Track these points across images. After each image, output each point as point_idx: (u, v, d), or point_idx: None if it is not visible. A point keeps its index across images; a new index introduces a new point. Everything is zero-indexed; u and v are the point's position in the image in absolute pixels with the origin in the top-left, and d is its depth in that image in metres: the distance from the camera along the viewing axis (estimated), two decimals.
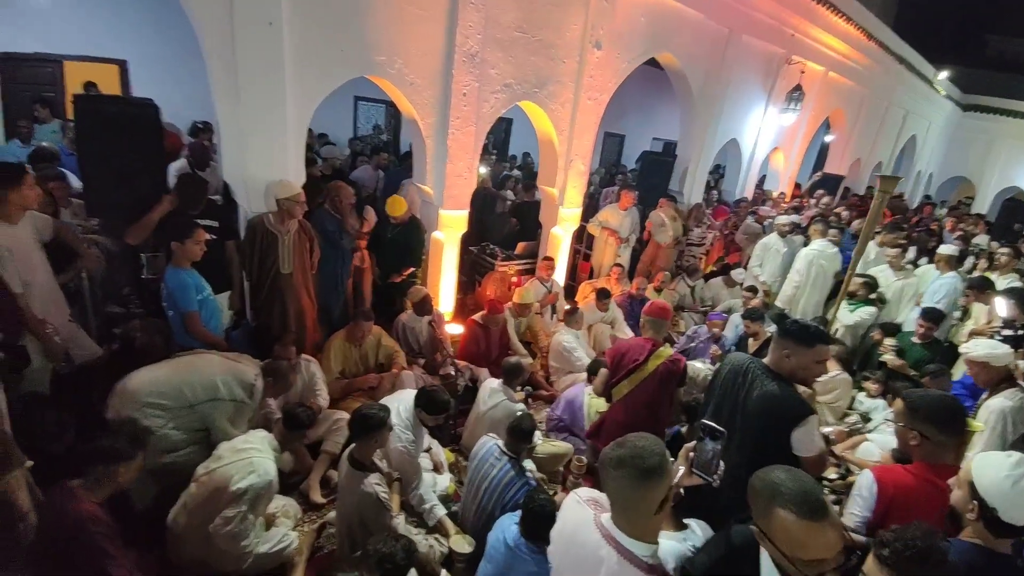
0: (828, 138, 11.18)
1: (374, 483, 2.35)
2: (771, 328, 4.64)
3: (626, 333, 5.24)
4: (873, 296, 4.95)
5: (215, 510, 2.23)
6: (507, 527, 2.19)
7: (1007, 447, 2.46)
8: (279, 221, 3.46)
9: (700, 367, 4.39)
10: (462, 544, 2.50)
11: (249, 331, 3.66)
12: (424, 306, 4.23)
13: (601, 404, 3.42)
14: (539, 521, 2.06)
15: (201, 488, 2.29)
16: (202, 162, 5.23)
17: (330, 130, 7.43)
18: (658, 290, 5.89)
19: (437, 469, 3.17)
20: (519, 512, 2.22)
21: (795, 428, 1.88)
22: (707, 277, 6.71)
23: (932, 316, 4.17)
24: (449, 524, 2.77)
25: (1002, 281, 4.73)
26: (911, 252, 6.34)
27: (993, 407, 2.54)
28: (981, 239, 7.94)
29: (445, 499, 3.08)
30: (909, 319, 4.87)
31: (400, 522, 2.53)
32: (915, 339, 4.21)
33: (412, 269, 4.52)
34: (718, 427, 1.51)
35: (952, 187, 16.04)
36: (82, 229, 3.48)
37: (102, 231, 3.52)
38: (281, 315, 3.56)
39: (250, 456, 2.35)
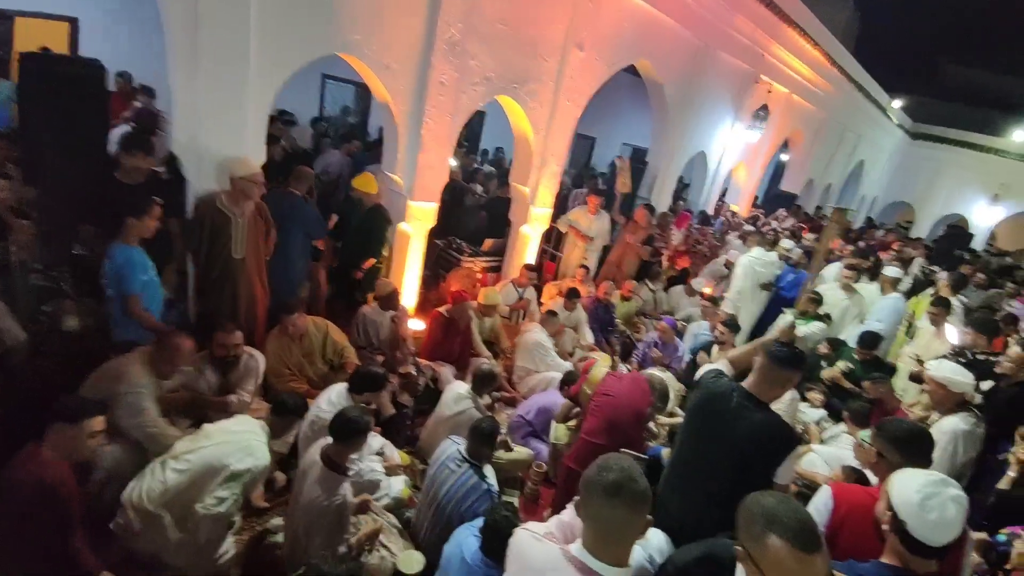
0: (784, 156, 11.65)
1: (348, 488, 2.25)
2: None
3: (587, 337, 5.26)
4: (821, 312, 5.17)
5: (199, 492, 2.13)
6: (464, 540, 2.10)
7: (956, 470, 2.57)
8: (233, 202, 3.22)
9: (656, 373, 4.44)
10: (410, 564, 2.39)
11: (184, 315, 3.40)
12: (390, 301, 4.07)
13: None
14: (502, 538, 1.98)
15: (183, 469, 2.17)
16: (149, 128, 4.84)
17: (294, 109, 7.03)
18: (626, 299, 5.94)
19: (390, 472, 3.04)
20: (478, 524, 2.14)
21: (786, 458, 1.89)
22: (668, 284, 6.83)
23: (866, 343, 4.39)
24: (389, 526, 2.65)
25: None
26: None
27: (945, 429, 2.59)
28: (918, 262, 8.46)
29: (399, 504, 2.97)
30: (852, 336, 5.12)
31: (352, 543, 2.39)
32: (855, 356, 4.45)
33: (373, 261, 4.33)
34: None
35: (894, 211, 17.08)
36: (11, 198, 3.13)
37: (38, 200, 3.18)
38: (231, 302, 3.32)
39: (247, 439, 2.27)
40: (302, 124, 7.10)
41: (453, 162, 6.65)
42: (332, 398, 2.82)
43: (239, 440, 2.29)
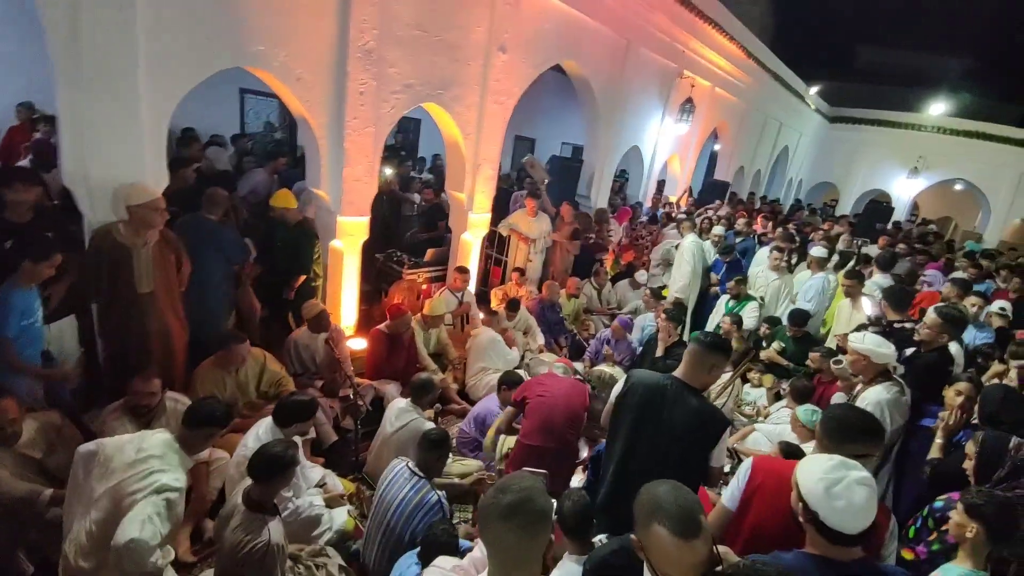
0: (716, 147, 12.16)
1: (274, 529, 2.06)
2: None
3: (538, 339, 5.23)
4: (754, 295, 5.38)
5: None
6: (406, 570, 2.00)
7: (887, 440, 2.65)
8: (133, 232, 2.95)
9: (606, 369, 4.47)
10: None
11: (93, 360, 3.11)
12: (320, 322, 3.88)
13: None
14: (441, 553, 1.89)
15: (100, 510, 2.00)
16: (48, 162, 4.43)
17: (213, 127, 6.65)
18: (573, 296, 5.95)
19: (332, 503, 2.88)
20: (418, 551, 2.03)
21: (716, 444, 1.98)
22: (614, 280, 6.92)
23: (796, 319, 4.62)
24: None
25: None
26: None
27: (870, 400, 2.60)
28: (843, 238, 8.97)
29: (343, 537, 2.82)
30: (784, 315, 5.34)
31: None
32: (788, 334, 4.67)
33: (304, 278, 4.13)
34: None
35: (819, 192, 18.12)
36: None
37: None
38: (141, 342, 3.05)
39: (149, 468, 2.04)
40: (223, 143, 6.74)
41: (388, 171, 6.50)
42: (259, 434, 2.63)
43: (142, 465, 2.06)
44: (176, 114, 6.67)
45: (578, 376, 3.53)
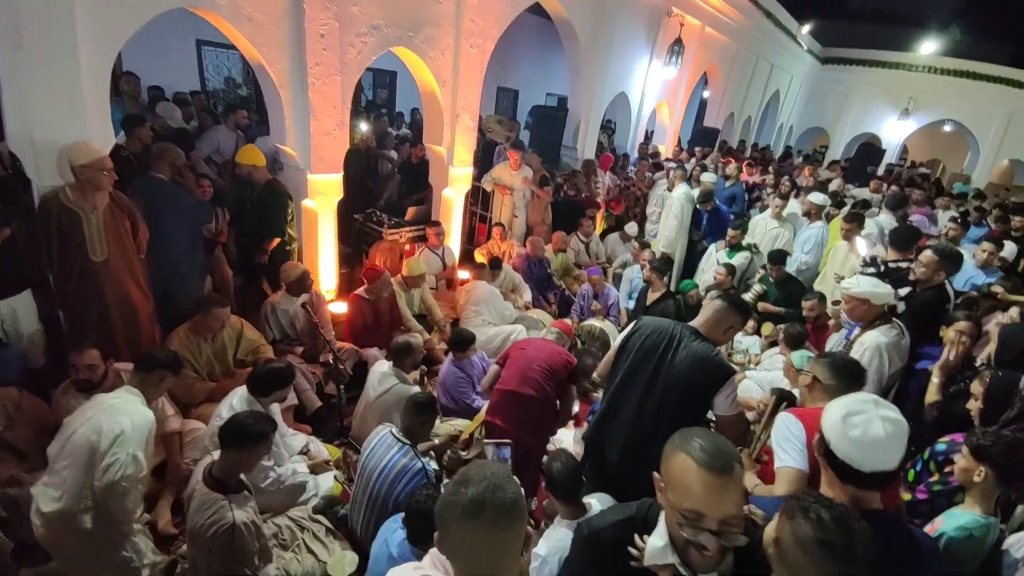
0: (706, 94, 11.73)
1: (237, 509, 1.93)
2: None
3: (526, 295, 5.10)
4: (746, 243, 5.26)
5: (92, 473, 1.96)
6: (391, 535, 1.92)
7: (884, 382, 2.58)
8: (81, 196, 2.73)
9: (595, 324, 4.38)
10: (341, 568, 2.20)
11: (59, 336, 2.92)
12: (301, 285, 3.70)
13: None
14: (425, 521, 1.81)
15: (67, 464, 1.99)
16: None
17: (170, 83, 6.19)
18: (560, 250, 5.79)
19: (317, 469, 2.80)
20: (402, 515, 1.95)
21: (721, 388, 1.91)
22: (604, 233, 6.76)
23: (774, 259, 4.52)
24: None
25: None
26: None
27: (868, 343, 2.55)
28: (836, 184, 8.81)
29: (331, 501, 2.76)
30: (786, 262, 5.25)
31: (270, 569, 2.14)
32: (771, 279, 4.58)
33: (277, 241, 3.92)
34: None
35: (810, 138, 17.78)
36: None
37: None
38: (100, 313, 2.88)
39: (112, 403, 2.07)
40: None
41: (364, 127, 6.17)
42: (234, 404, 2.51)
43: (103, 410, 2.06)
44: (131, 71, 6.18)
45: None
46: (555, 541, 1.80)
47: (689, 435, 1.11)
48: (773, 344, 4.31)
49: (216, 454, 2.02)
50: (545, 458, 2.05)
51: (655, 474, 1.16)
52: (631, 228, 6.27)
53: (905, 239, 3.49)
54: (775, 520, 1.12)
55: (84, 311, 2.84)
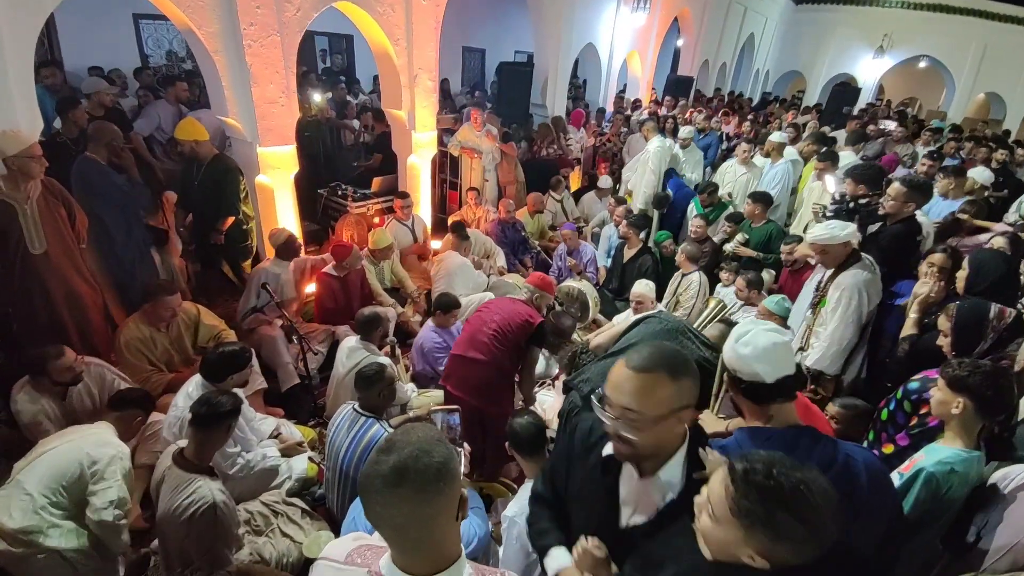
0: (679, 42, 11.38)
1: (215, 488, 1.88)
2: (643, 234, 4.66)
3: (500, 260, 4.99)
4: (721, 198, 5.16)
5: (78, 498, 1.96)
6: (359, 514, 1.86)
7: (864, 319, 2.53)
8: (13, 187, 2.57)
9: (573, 284, 4.30)
10: (316, 547, 2.15)
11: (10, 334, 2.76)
12: (288, 248, 3.64)
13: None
14: None
15: (40, 475, 1.96)
16: None
17: (108, 61, 5.78)
18: (536, 212, 5.64)
19: (289, 452, 2.73)
20: None
21: None
22: (579, 193, 6.60)
23: (757, 198, 4.35)
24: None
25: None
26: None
27: (845, 283, 2.49)
28: (809, 126, 8.70)
29: (307, 483, 2.70)
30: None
31: (243, 554, 2.08)
32: (752, 224, 4.42)
33: (232, 220, 3.73)
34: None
35: (786, 83, 17.51)
36: None
37: None
38: (46, 309, 2.72)
39: (95, 434, 2.07)
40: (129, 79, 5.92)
41: (317, 97, 5.87)
42: (190, 392, 2.39)
43: (86, 436, 2.06)
44: (68, 52, 5.82)
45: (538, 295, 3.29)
46: (524, 501, 1.75)
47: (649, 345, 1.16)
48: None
49: (182, 441, 1.98)
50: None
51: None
52: (604, 181, 6.12)
53: (873, 177, 3.41)
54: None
55: (31, 306, 2.69)
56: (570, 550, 1.22)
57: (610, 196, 5.76)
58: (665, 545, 1.06)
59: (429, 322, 3.53)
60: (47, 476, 1.93)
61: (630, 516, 1.14)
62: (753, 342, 1.30)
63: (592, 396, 1.12)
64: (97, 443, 2.02)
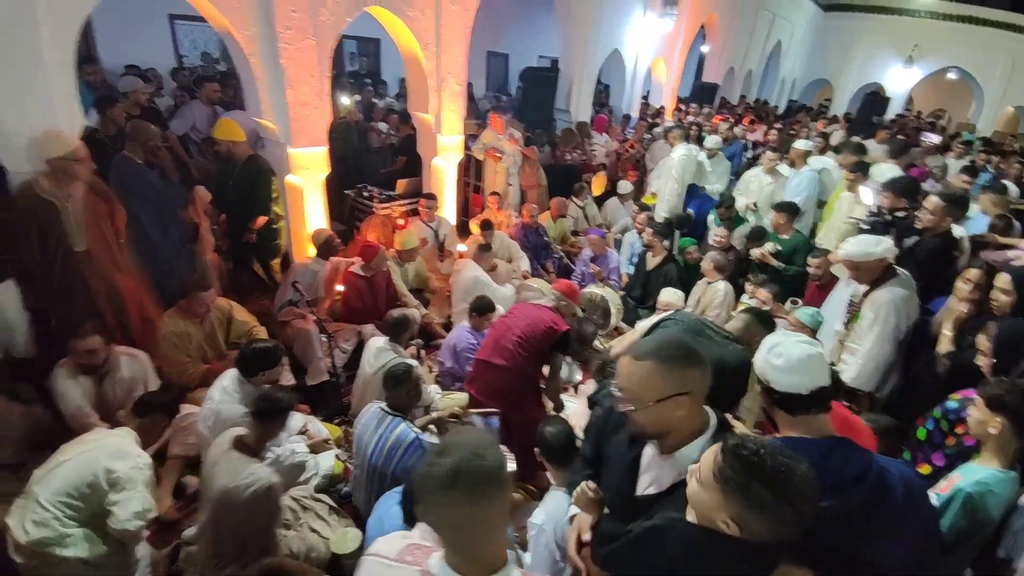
0: (704, 49, 11.30)
1: (269, 471, 2.00)
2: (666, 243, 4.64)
3: (523, 264, 4.99)
4: (749, 201, 5.10)
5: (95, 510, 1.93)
6: (386, 513, 1.89)
7: (901, 338, 2.48)
8: (56, 186, 2.64)
9: (596, 291, 4.29)
10: (344, 543, 2.18)
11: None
12: (328, 247, 3.79)
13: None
14: None
15: (57, 489, 1.92)
16: None
17: (145, 62, 5.97)
18: (559, 216, 5.64)
19: (317, 449, 2.77)
20: (400, 491, 1.92)
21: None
22: (602, 199, 6.58)
23: (782, 208, 4.27)
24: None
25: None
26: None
27: (881, 300, 2.45)
28: (838, 135, 8.55)
29: (333, 480, 2.74)
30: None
31: (292, 536, 2.15)
32: (779, 235, 4.34)
33: (264, 219, 3.81)
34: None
35: (813, 91, 17.25)
36: None
37: None
38: (87, 304, 2.80)
39: (114, 443, 2.03)
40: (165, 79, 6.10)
41: (345, 100, 5.96)
42: (224, 386, 2.46)
43: (104, 445, 2.00)
44: (105, 53, 6.01)
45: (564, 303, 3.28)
46: (551, 508, 1.76)
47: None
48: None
49: (238, 429, 2.11)
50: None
51: None
52: (623, 186, 6.11)
53: (910, 188, 3.35)
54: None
55: (71, 302, 2.77)
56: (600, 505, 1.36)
57: (632, 202, 5.75)
58: (663, 509, 1.15)
59: (465, 322, 3.55)
60: (61, 488, 1.90)
61: (646, 487, 1.23)
62: (786, 353, 1.29)
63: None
64: (115, 454, 1.98)
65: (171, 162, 3.34)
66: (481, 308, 3.43)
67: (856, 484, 1.18)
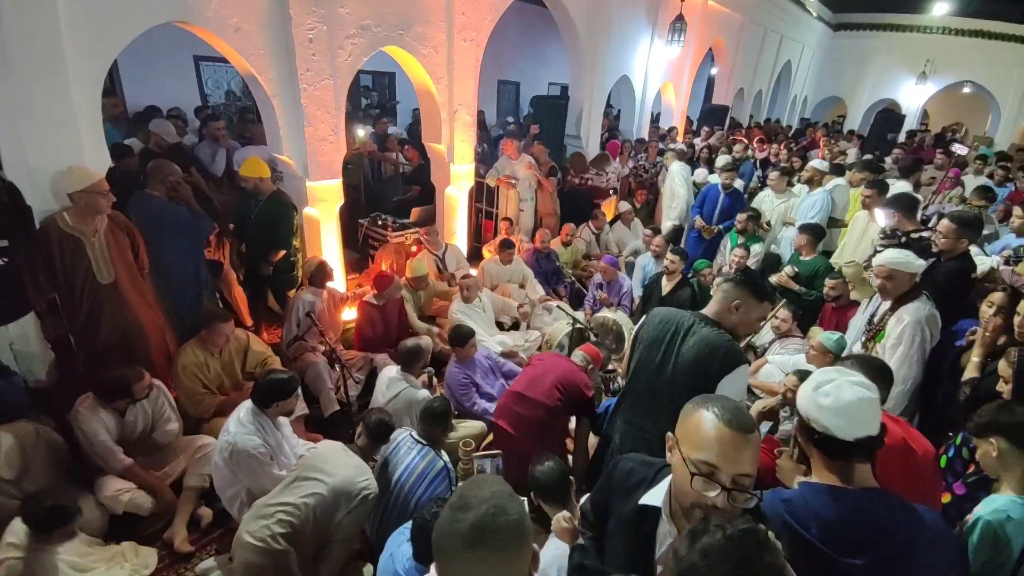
0: (713, 71, 11.42)
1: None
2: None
3: (537, 290, 5.02)
4: (759, 227, 5.08)
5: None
6: (397, 550, 1.88)
7: (927, 357, 2.43)
8: (80, 220, 2.75)
9: (608, 315, 4.28)
10: None
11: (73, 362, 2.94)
12: (321, 275, 3.75)
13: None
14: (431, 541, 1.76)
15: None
16: None
17: (171, 101, 6.25)
18: (566, 243, 5.69)
19: None
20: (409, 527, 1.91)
21: (726, 375, 1.76)
22: (611, 224, 6.62)
23: (806, 229, 4.24)
24: None
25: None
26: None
27: (908, 318, 2.39)
28: (852, 153, 8.49)
29: None
30: (785, 237, 5.06)
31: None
32: (801, 256, 4.32)
33: (283, 253, 3.91)
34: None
35: (825, 108, 17.23)
36: None
37: None
38: (115, 337, 2.89)
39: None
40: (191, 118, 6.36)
41: (360, 132, 6.14)
42: (240, 417, 2.50)
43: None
44: (132, 92, 6.27)
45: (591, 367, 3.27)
46: (552, 550, 1.73)
47: (709, 398, 1.11)
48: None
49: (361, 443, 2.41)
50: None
51: (668, 434, 1.15)
52: (622, 206, 6.21)
53: (908, 203, 3.30)
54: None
55: (97, 334, 2.85)
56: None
57: (640, 224, 5.78)
58: None
59: (452, 360, 3.52)
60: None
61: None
62: (836, 393, 1.18)
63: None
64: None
65: (192, 197, 3.46)
66: (460, 338, 3.37)
67: (883, 536, 1.12)
